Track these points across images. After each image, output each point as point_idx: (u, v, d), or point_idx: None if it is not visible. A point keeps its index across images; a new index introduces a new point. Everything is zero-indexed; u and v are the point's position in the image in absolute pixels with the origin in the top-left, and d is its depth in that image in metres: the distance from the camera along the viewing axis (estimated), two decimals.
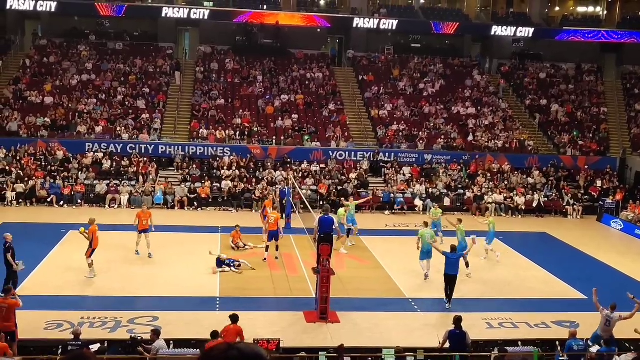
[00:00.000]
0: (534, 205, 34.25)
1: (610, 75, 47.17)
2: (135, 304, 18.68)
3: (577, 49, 45.93)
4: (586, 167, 37.67)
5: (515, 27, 45.04)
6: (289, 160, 35.40)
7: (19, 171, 32.15)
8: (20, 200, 30.93)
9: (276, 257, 23.42)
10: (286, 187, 30.48)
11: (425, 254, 21.76)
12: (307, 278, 21.08)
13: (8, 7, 40.73)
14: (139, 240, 23.32)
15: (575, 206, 34.50)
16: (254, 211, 31.62)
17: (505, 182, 35.54)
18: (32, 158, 33.45)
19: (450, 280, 19.24)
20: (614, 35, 46.01)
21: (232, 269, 21.74)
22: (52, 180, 31.80)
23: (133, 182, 32.72)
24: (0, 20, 43.54)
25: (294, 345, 15.66)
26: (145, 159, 34.47)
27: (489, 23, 46.42)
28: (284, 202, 29.19)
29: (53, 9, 41.18)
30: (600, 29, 46.17)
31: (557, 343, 16.24)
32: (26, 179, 31.65)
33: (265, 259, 23.04)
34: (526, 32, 45.30)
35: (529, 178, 36.29)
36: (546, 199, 34.74)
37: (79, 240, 21.71)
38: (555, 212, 34.50)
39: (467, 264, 21.23)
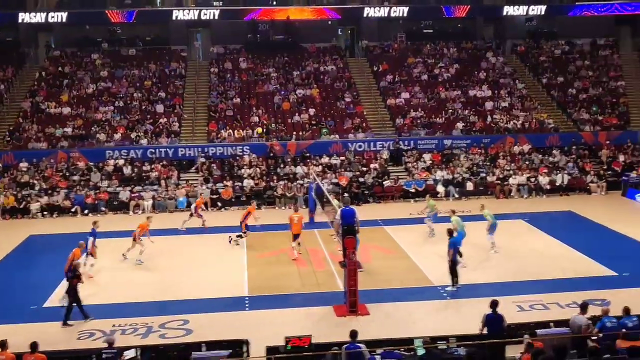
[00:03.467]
0: (557, 184, 33.97)
1: (626, 48, 46.56)
2: (165, 308, 18.73)
3: (591, 23, 45.44)
4: (607, 142, 37.28)
5: (527, 6, 44.71)
6: (308, 155, 35.40)
7: (42, 183, 32.46)
8: (45, 212, 31.23)
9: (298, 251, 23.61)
10: (310, 183, 30.48)
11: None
12: (335, 272, 21.07)
13: (20, 20, 41.10)
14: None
15: (598, 182, 34.17)
16: (277, 208, 31.66)
17: (527, 162, 35.26)
18: (54, 169, 33.74)
19: None
20: (628, 7, 45.50)
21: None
22: (74, 190, 32.04)
23: (155, 187, 32.88)
24: (14, 34, 43.91)
25: (325, 340, 15.62)
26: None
27: (501, 3, 46.06)
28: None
29: (64, 20, 41.54)
30: (613, 2, 45.67)
31: (590, 322, 16.08)
32: (50, 190, 31.95)
33: (294, 259, 23.03)
34: (538, 9, 44.97)
35: (550, 157, 35.98)
36: (569, 177, 34.42)
37: (106, 248, 21.88)
38: (579, 190, 34.20)
39: (460, 254, 20.16)
